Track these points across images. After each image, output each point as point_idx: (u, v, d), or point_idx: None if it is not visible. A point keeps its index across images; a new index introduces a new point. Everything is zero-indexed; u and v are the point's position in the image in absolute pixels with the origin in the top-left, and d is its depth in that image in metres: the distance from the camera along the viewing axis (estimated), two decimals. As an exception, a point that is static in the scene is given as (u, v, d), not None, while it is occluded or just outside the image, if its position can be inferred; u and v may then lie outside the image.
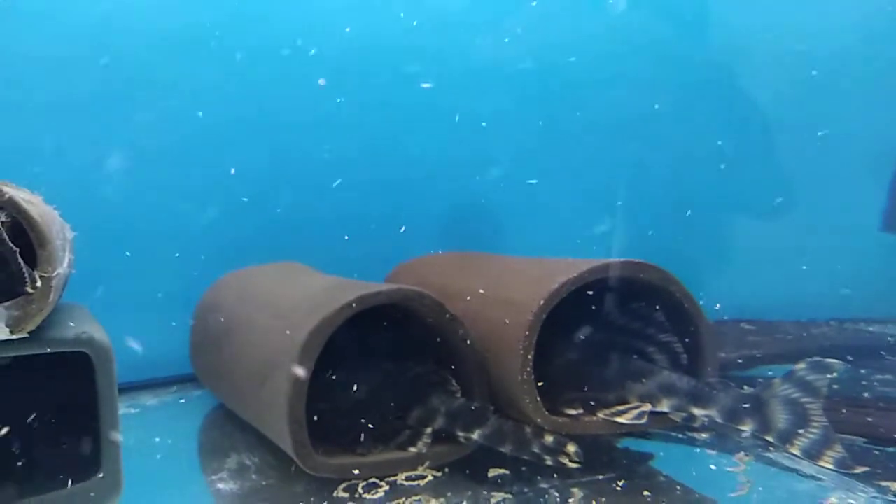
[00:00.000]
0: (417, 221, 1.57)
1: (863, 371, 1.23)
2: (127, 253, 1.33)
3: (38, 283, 0.73)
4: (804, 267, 1.57)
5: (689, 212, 1.70)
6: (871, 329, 1.45)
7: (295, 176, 1.47)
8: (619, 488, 0.83)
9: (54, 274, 0.75)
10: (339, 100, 1.50)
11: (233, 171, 1.41)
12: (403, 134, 1.57)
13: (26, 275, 0.73)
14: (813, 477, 0.85)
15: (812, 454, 0.78)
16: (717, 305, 1.35)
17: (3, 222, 0.73)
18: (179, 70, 1.38)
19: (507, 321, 0.92)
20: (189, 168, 1.39)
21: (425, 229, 1.58)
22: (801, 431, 0.78)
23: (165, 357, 1.29)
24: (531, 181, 1.66)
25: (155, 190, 1.36)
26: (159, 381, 1.32)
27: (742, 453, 0.93)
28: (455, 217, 1.64)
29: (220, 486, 0.87)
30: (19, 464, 0.82)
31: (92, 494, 0.76)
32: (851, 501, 0.77)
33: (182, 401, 1.24)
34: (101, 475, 0.77)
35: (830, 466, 0.77)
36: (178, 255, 1.37)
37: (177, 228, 1.38)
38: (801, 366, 0.81)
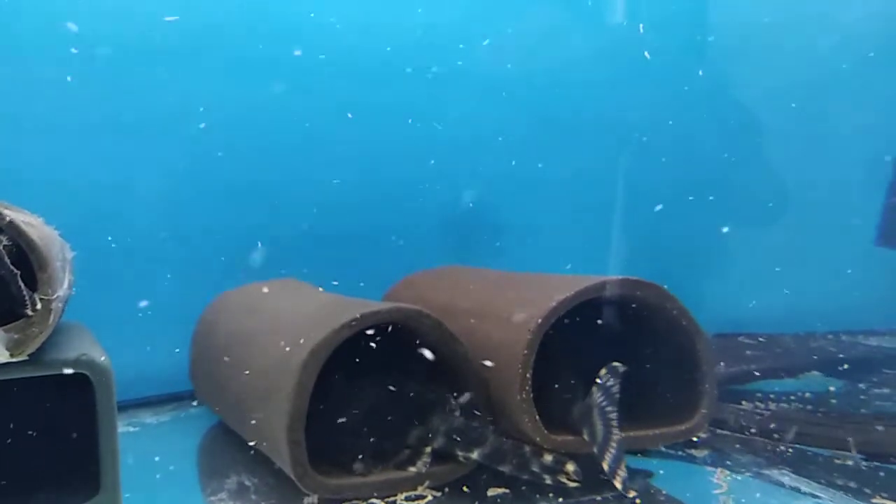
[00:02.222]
0: (416, 235, 1.58)
1: (861, 385, 1.23)
2: (126, 269, 1.33)
3: (39, 306, 0.74)
4: (801, 280, 1.57)
5: (685, 223, 1.71)
6: (868, 342, 1.45)
7: (294, 192, 1.48)
8: (618, 507, 0.83)
9: (54, 297, 0.75)
10: (348, 115, 1.51)
11: (231, 187, 1.42)
12: (402, 147, 1.58)
13: (27, 298, 0.73)
14: (811, 495, 0.85)
15: (612, 469, 0.82)
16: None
17: (4, 245, 0.74)
18: (181, 83, 1.39)
19: (506, 339, 0.93)
20: (186, 186, 1.40)
21: (425, 243, 1.58)
22: (612, 444, 0.83)
23: (165, 374, 1.29)
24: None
25: (152, 208, 1.37)
26: (158, 398, 1.31)
27: (721, 471, 0.93)
28: (454, 230, 1.65)
29: (220, 507, 0.87)
30: (18, 485, 0.82)
31: (91, 516, 0.76)
32: (849, 520, 0.77)
33: (181, 419, 1.24)
34: (99, 496, 0.77)
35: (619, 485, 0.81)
36: (177, 272, 1.37)
37: (176, 246, 1.38)
38: (603, 373, 0.85)
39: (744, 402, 1.15)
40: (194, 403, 1.27)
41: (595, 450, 0.85)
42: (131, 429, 1.16)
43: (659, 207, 1.61)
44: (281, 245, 1.45)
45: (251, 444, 0.98)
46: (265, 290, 1.19)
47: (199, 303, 1.26)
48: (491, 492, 0.88)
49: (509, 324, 0.94)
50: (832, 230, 1.67)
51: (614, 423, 0.85)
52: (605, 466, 0.84)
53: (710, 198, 1.68)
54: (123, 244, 1.33)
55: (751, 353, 1.34)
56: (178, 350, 1.25)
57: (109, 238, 1.31)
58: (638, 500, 0.84)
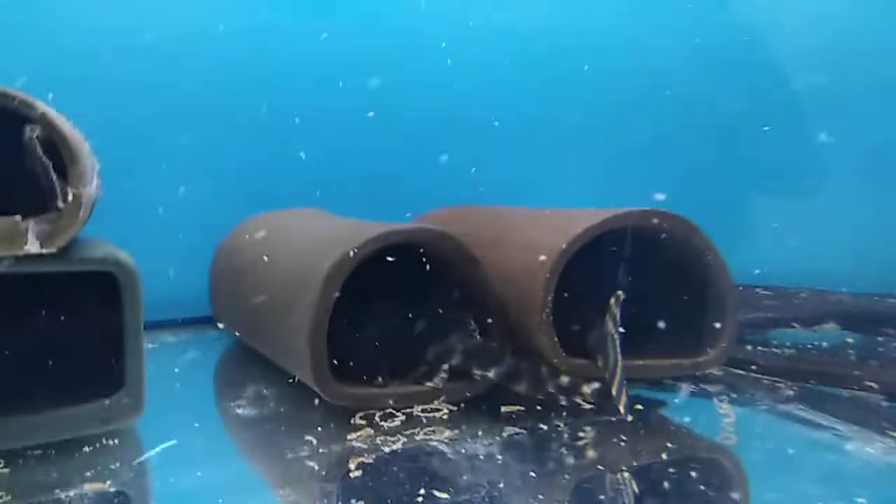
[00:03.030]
0: (435, 176, 1.57)
1: (879, 338, 1.22)
2: (150, 196, 1.34)
3: (70, 198, 0.75)
4: (825, 240, 1.55)
5: (713, 181, 1.69)
6: (889, 300, 1.43)
7: (319, 128, 1.48)
8: (629, 430, 0.83)
9: (84, 191, 0.76)
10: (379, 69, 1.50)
11: (258, 117, 1.42)
12: (422, 97, 1.57)
13: (58, 190, 0.74)
14: (831, 427, 0.85)
15: (618, 394, 0.83)
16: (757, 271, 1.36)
17: (36, 136, 0.74)
18: (211, 15, 1.39)
19: (529, 264, 0.93)
20: (214, 114, 1.40)
21: (442, 184, 1.58)
22: (618, 371, 0.84)
23: (184, 298, 1.31)
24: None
25: (177, 135, 1.37)
26: (177, 321, 1.34)
27: (721, 400, 0.94)
28: (467, 178, 1.64)
29: (239, 411, 0.88)
30: (48, 379, 0.84)
31: (115, 410, 0.78)
32: (870, 450, 0.77)
33: (200, 339, 1.26)
34: (124, 390, 0.78)
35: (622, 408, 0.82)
36: (200, 198, 1.38)
37: (199, 173, 1.39)
38: (612, 302, 0.86)
39: (760, 348, 1.15)
40: (220, 325, 1.28)
41: (606, 375, 0.86)
42: (152, 345, 1.18)
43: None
44: (302, 177, 1.45)
45: (271, 357, 0.99)
46: (287, 215, 1.20)
47: (221, 229, 1.27)
48: (506, 409, 0.89)
49: (533, 250, 0.94)
50: (859, 191, 1.64)
51: (619, 351, 0.85)
52: (613, 391, 0.84)
53: (740, 154, 1.66)
54: (147, 171, 1.34)
55: (769, 303, 1.34)
56: (199, 274, 1.26)
57: (132, 162, 1.31)
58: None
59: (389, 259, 0.90)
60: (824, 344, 1.19)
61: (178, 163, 1.40)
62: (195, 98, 1.41)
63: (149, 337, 1.22)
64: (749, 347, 1.13)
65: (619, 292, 0.86)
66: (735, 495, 0.69)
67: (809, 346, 1.18)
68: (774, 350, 1.13)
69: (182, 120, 1.39)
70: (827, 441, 0.81)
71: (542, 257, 0.91)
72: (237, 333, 1.16)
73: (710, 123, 1.71)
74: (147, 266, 0.97)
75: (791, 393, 0.97)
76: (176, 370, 1.04)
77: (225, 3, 1.40)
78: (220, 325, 1.23)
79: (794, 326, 1.24)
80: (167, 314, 1.34)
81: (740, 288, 1.42)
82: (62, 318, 0.90)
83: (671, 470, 0.72)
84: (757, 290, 1.41)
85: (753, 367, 1.05)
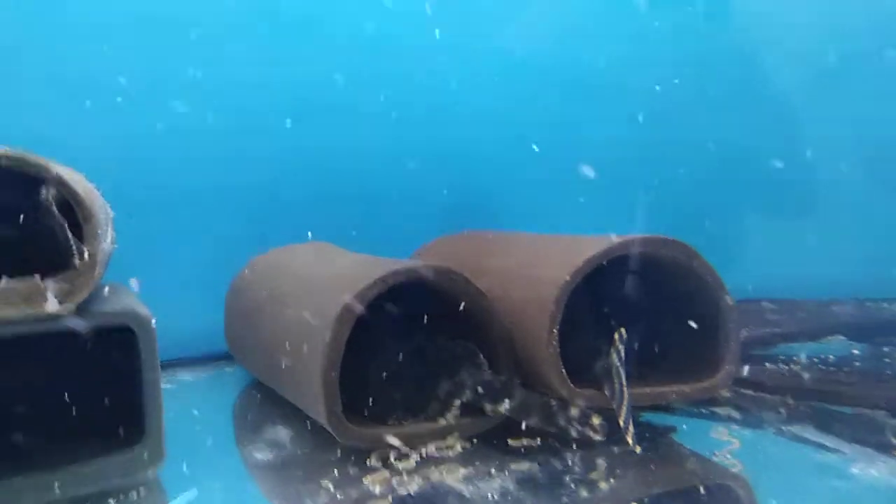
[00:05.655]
0: (436, 205, 1.59)
1: (885, 349, 1.24)
2: (163, 234, 1.36)
3: (86, 257, 0.77)
4: (826, 248, 1.57)
5: (713, 192, 1.71)
6: (894, 308, 1.44)
7: (324, 162, 1.50)
8: (641, 460, 0.85)
9: (100, 248, 0.79)
10: (382, 97, 1.52)
11: (263, 156, 1.45)
12: (426, 122, 1.59)
13: (74, 248, 0.77)
14: (836, 450, 0.86)
15: (625, 426, 0.86)
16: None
17: (52, 196, 0.77)
18: (220, 51, 1.41)
19: (534, 297, 0.94)
20: (223, 153, 1.42)
21: (444, 213, 1.60)
22: (625, 402, 0.87)
23: (201, 336, 1.33)
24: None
25: (190, 174, 1.40)
26: (195, 358, 1.36)
27: (728, 423, 0.95)
28: (471, 202, 1.66)
29: (258, 455, 0.90)
30: (69, 433, 0.86)
31: (136, 462, 0.80)
32: (873, 471, 0.78)
33: (217, 378, 1.27)
34: (144, 441, 0.80)
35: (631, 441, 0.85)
36: (211, 237, 1.40)
37: (211, 211, 1.41)
38: (616, 337, 0.88)
39: (767, 365, 1.16)
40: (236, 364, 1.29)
41: (614, 406, 0.88)
42: (169, 386, 1.20)
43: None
44: (311, 211, 1.48)
45: (286, 397, 1.01)
46: (298, 251, 1.21)
47: (233, 266, 1.29)
48: (518, 443, 0.90)
49: (537, 281, 0.95)
50: (859, 199, 1.65)
51: (626, 383, 0.87)
52: (621, 422, 0.86)
53: (738, 164, 1.67)
54: (160, 210, 1.37)
55: (773, 318, 1.35)
56: (213, 312, 1.28)
57: (147, 203, 1.34)
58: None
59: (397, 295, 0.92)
60: (830, 357, 1.20)
61: (192, 198, 1.42)
62: (204, 139, 1.43)
63: (167, 376, 1.26)
64: (756, 366, 1.14)
65: (622, 329, 0.88)
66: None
67: (815, 359, 1.20)
68: (781, 366, 1.15)
69: (195, 158, 1.42)
70: (832, 463, 0.82)
71: (546, 290, 0.92)
72: (252, 373, 1.18)
73: (711, 143, 1.72)
74: (164, 302, 1.00)
75: (797, 413, 0.98)
76: (195, 412, 1.06)
77: (230, 48, 1.42)
78: (237, 364, 1.25)
79: (800, 341, 1.25)
80: (184, 352, 1.37)
81: (745, 303, 1.44)
82: (80, 369, 0.92)
83: (684, 500, 0.74)
84: (762, 303, 1.43)
85: (760, 387, 1.06)
